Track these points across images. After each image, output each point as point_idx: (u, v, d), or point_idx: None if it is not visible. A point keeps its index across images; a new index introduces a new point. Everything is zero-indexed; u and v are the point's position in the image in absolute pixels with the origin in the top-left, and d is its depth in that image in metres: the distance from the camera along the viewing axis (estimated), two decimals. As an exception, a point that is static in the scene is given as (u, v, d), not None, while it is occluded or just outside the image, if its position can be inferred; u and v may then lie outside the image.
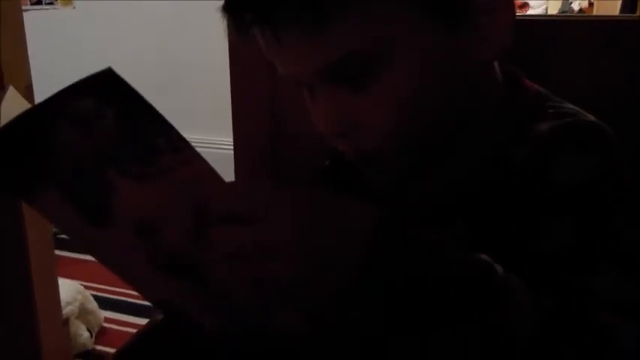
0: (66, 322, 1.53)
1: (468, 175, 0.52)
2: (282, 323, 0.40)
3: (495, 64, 0.54)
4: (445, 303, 0.38)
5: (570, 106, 0.52)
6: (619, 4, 1.97)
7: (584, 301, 0.40)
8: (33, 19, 1.26)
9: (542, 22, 0.90)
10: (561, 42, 0.77)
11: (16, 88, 1.15)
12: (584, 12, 2.47)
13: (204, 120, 2.63)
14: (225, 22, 0.48)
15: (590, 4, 2.52)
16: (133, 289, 0.42)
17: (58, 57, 2.75)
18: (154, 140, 0.37)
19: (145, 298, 0.43)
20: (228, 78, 0.92)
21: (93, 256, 0.40)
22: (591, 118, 0.51)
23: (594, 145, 0.48)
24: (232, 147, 0.93)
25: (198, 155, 0.38)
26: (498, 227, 0.47)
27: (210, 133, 2.64)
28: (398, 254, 0.38)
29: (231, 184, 0.39)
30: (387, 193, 0.55)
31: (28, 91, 1.18)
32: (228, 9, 0.48)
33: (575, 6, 2.59)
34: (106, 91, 0.35)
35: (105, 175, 0.37)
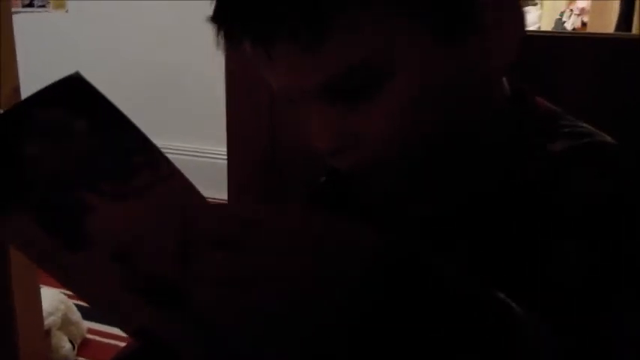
0: (47, 333, 1.50)
1: (470, 193, 0.51)
2: (270, 356, 0.37)
3: (504, 80, 0.52)
4: (456, 348, 0.34)
5: (585, 125, 0.50)
6: (613, 23, 1.98)
7: (606, 340, 0.37)
8: (25, 23, 1.23)
9: (543, 37, 0.89)
10: (562, 58, 0.76)
11: (4, 90, 1.13)
12: (578, 31, 2.49)
13: (197, 128, 2.61)
14: (215, 32, 0.46)
15: (584, 24, 2.54)
16: (109, 317, 0.39)
17: (50, 60, 2.72)
18: (129, 155, 0.34)
19: (120, 327, 0.40)
20: (223, 85, 0.90)
21: (64, 283, 0.37)
22: (608, 139, 0.49)
23: (611, 167, 0.46)
24: (226, 157, 0.91)
25: (177, 171, 0.35)
26: (502, 250, 0.45)
27: (203, 142, 2.62)
28: (403, 289, 0.35)
29: (219, 205, 0.37)
30: (385, 208, 0.53)
31: (15, 94, 1.17)
32: (217, 19, 0.45)
33: (569, 25, 2.61)
34: (76, 99, 0.32)
35: (78, 194, 0.33)
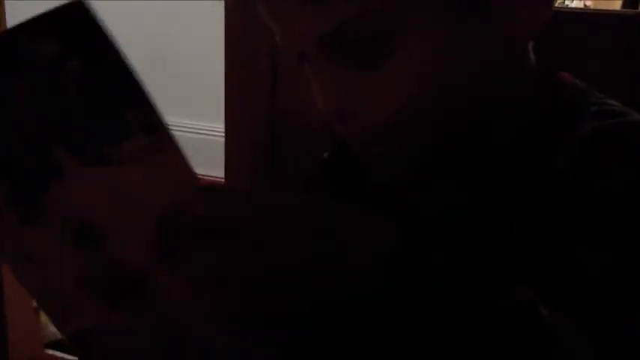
0: (37, 310, 1.48)
1: (491, 179, 0.46)
2: None
3: (531, 53, 0.48)
4: (478, 349, 0.31)
5: (614, 103, 0.46)
6: (619, 4, 1.95)
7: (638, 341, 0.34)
8: (17, 7, 1.20)
9: (565, 13, 0.86)
10: (586, 36, 0.73)
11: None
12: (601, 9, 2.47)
13: (193, 104, 2.58)
14: None
15: (586, 6, 2.52)
16: (48, 315, 0.32)
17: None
18: (124, 111, 0.28)
19: (59, 328, 0.33)
20: (221, 58, 0.88)
21: (9, 263, 0.30)
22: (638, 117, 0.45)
23: None
24: (224, 134, 0.89)
25: (174, 142, 0.29)
26: (526, 245, 0.42)
27: (201, 119, 2.59)
28: (422, 289, 0.31)
29: (214, 185, 0.31)
30: (394, 187, 0.50)
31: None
32: None
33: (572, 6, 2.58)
34: (74, 32, 0.26)
35: (52, 153, 0.27)
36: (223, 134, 0.91)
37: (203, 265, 0.28)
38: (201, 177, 0.31)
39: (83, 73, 0.27)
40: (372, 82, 0.42)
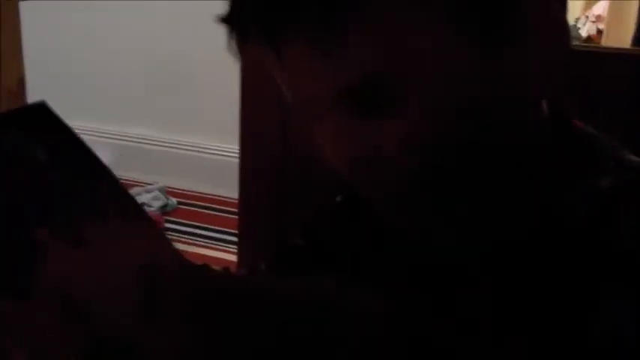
0: None
1: (502, 225, 0.45)
2: None
3: (544, 103, 0.46)
4: None
5: (633, 158, 0.45)
6: (631, 31, 1.95)
7: None
8: (31, 10, 1.20)
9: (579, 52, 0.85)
10: (600, 75, 0.72)
11: (9, 81, 1.10)
12: (593, 39, 2.46)
13: (208, 125, 2.59)
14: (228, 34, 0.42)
15: (599, 32, 2.51)
16: None
17: (56, 50, 2.70)
18: (95, 195, 0.31)
19: None
20: (236, 80, 0.87)
21: (7, 335, 0.32)
22: None
23: None
24: (238, 155, 0.87)
25: (148, 219, 0.32)
26: (537, 295, 0.40)
27: (214, 139, 2.59)
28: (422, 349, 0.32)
29: (191, 266, 0.33)
30: (405, 236, 0.48)
31: (20, 85, 1.14)
32: (226, 20, 0.41)
33: (584, 32, 2.57)
34: (38, 128, 0.29)
35: (31, 234, 0.29)
36: (238, 155, 0.89)
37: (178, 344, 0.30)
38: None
39: (52, 161, 0.30)
40: (384, 129, 0.41)
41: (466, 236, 0.46)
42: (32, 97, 1.40)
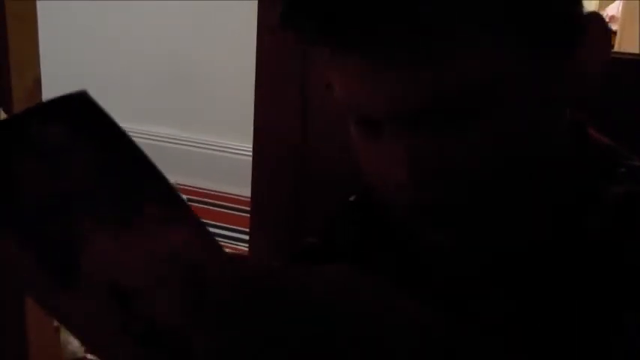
0: (57, 329, 1.47)
1: (522, 238, 0.44)
2: None
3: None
4: None
5: None
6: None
7: None
8: (45, 10, 1.21)
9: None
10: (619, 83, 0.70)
11: (24, 81, 1.11)
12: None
13: (221, 123, 2.60)
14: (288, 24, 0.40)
15: (613, 32, 2.49)
16: None
17: (68, 50, 2.72)
18: (140, 186, 0.31)
19: None
20: (250, 78, 0.87)
21: (55, 318, 0.34)
22: None
23: None
24: (251, 153, 0.88)
25: (191, 213, 0.32)
26: (558, 310, 0.40)
27: (229, 137, 2.60)
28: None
29: (239, 259, 0.34)
30: (433, 249, 0.48)
31: (36, 85, 1.15)
32: (289, 17, 0.40)
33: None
34: (81, 119, 0.29)
35: (76, 222, 0.30)
36: (250, 153, 0.90)
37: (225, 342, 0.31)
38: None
39: (96, 152, 0.30)
40: (448, 149, 0.39)
41: (487, 247, 0.45)
42: (46, 96, 1.41)
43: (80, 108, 0.29)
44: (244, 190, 0.89)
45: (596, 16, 0.43)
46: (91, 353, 0.36)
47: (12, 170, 0.29)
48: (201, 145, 2.65)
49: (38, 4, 1.15)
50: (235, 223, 2.30)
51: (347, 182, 0.60)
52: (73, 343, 1.56)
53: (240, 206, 2.39)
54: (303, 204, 0.88)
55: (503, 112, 0.38)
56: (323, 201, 0.87)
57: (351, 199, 0.59)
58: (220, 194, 2.58)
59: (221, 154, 2.62)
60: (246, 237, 1.02)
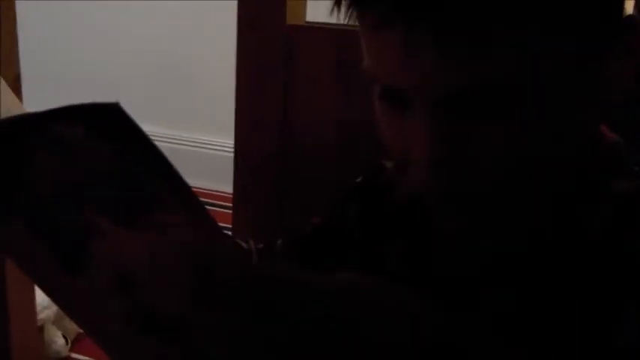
0: (41, 327, 1.46)
1: (525, 232, 0.45)
2: None
3: None
4: None
5: None
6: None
7: None
8: (29, 7, 1.20)
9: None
10: None
11: (5, 78, 1.10)
12: None
13: (204, 120, 2.59)
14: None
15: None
16: (103, 349, 0.37)
17: (53, 49, 2.69)
18: (156, 188, 0.32)
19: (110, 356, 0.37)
20: (232, 75, 0.88)
21: (59, 305, 0.35)
22: None
23: None
24: (233, 150, 0.88)
25: (209, 217, 0.34)
26: (558, 303, 0.41)
27: (209, 134, 2.59)
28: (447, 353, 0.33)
29: (244, 254, 0.35)
30: (444, 234, 0.48)
31: (16, 82, 1.14)
32: None
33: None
34: (106, 124, 0.31)
35: (87, 214, 0.31)
36: (232, 150, 0.90)
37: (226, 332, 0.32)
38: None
39: (115, 153, 0.31)
40: (477, 138, 0.40)
41: (496, 239, 0.46)
42: (35, 94, 1.41)
43: (108, 116, 0.31)
44: (227, 187, 0.90)
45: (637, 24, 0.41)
46: (94, 340, 0.36)
47: (29, 159, 0.30)
48: (184, 142, 2.65)
49: (31, 3, 1.14)
50: (219, 220, 2.29)
51: (329, 177, 0.61)
52: (57, 342, 1.55)
53: (223, 202, 2.39)
54: (285, 199, 0.89)
55: (531, 112, 0.38)
56: (305, 197, 0.88)
57: (358, 180, 0.60)
58: (204, 191, 2.57)
59: (204, 150, 2.62)
60: (230, 233, 1.03)
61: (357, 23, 0.42)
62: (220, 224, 0.36)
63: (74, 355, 1.60)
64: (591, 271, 0.40)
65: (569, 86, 0.39)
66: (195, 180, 2.58)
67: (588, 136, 0.45)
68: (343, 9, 0.41)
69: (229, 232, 1.19)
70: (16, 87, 1.13)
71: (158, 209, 0.32)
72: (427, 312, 0.34)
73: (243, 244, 0.64)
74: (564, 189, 0.44)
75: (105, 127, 0.31)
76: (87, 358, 1.58)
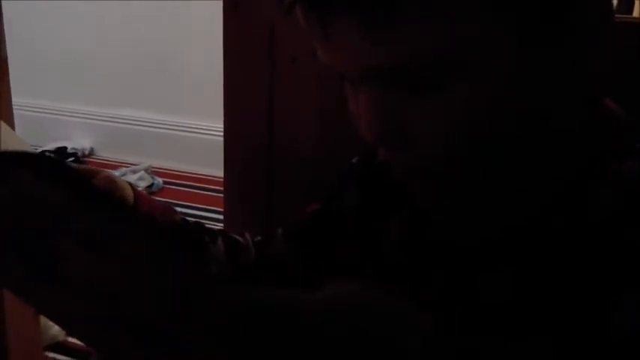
0: (37, 312, 1.47)
1: (526, 211, 0.44)
2: None
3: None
4: None
5: None
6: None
7: None
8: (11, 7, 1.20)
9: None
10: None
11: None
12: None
13: (193, 104, 2.58)
14: None
15: None
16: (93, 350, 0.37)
17: (45, 34, 2.67)
18: (108, 216, 0.34)
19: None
20: (221, 59, 0.88)
21: (44, 314, 0.36)
22: None
23: None
24: (222, 134, 0.89)
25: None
26: (560, 284, 0.40)
27: (198, 118, 2.59)
28: None
29: (225, 277, 0.36)
30: (430, 211, 0.48)
31: (3, 64, 1.14)
32: None
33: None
34: (45, 165, 0.35)
35: (57, 242, 0.33)
36: (222, 133, 0.91)
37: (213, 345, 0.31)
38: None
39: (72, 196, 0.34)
40: (418, 113, 0.40)
41: (490, 220, 0.46)
42: (22, 79, 1.40)
43: (45, 161, 0.36)
44: (218, 171, 0.90)
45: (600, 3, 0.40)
46: (84, 343, 0.36)
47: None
48: (174, 127, 2.64)
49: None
50: (210, 204, 2.31)
51: (316, 160, 0.62)
52: (54, 328, 1.56)
53: (213, 186, 2.40)
54: (275, 181, 0.90)
55: (472, 86, 0.38)
56: (295, 180, 0.89)
57: (354, 160, 0.60)
58: (194, 175, 2.57)
59: (194, 135, 2.62)
60: (221, 217, 1.03)
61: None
62: (212, 208, 0.37)
63: (70, 340, 1.61)
64: (591, 255, 0.40)
65: (516, 60, 0.39)
66: (185, 165, 2.58)
67: (576, 108, 0.44)
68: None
69: (220, 217, 1.19)
70: (3, 68, 1.13)
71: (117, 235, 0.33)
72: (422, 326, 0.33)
73: (239, 238, 0.64)
74: (553, 164, 0.43)
75: (45, 169, 0.34)
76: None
